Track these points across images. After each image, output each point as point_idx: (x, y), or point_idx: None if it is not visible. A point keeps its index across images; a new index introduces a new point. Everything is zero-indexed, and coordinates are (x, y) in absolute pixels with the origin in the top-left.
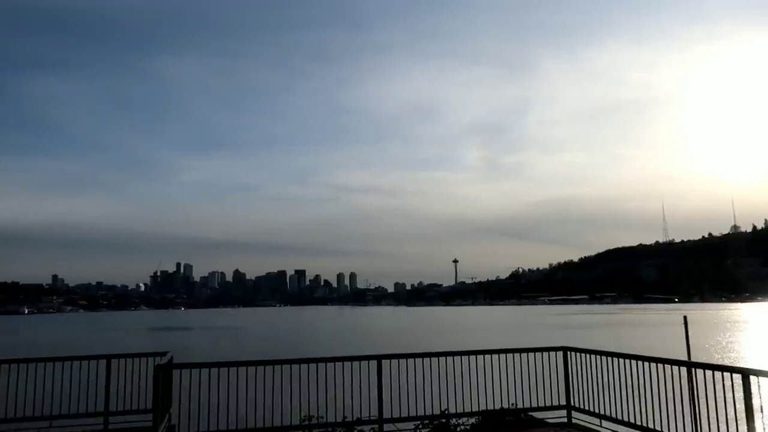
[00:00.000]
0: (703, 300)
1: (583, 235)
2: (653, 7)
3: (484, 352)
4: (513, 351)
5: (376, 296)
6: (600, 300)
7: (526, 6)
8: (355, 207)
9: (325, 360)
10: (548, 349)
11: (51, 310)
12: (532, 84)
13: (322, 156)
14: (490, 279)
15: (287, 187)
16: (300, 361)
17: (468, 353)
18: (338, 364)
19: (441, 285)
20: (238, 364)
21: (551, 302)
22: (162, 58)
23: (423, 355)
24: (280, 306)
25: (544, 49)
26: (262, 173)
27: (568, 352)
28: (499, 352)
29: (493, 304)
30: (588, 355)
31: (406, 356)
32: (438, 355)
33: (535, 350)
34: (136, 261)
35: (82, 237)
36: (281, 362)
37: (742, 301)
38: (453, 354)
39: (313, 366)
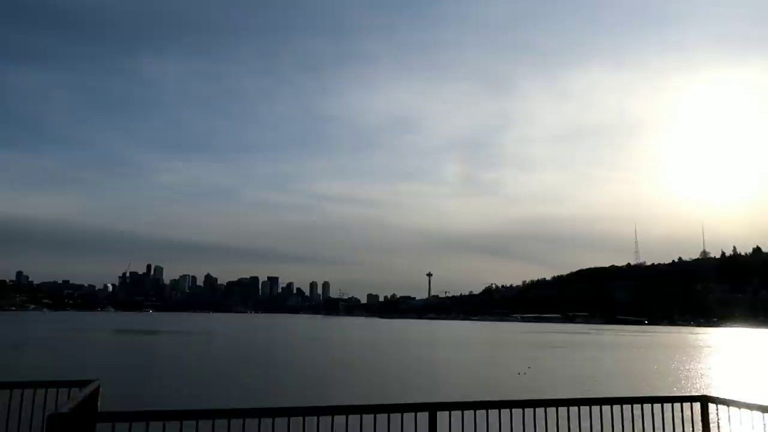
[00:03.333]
0: (672, 324)
1: (556, 254)
2: (632, 34)
3: (590, 402)
4: (624, 401)
5: (349, 306)
6: (572, 319)
7: (510, 26)
8: (333, 216)
9: (348, 410)
10: (676, 399)
11: (12, 308)
12: (512, 102)
13: (302, 164)
14: (463, 294)
15: (266, 193)
16: (303, 412)
17: (565, 403)
18: (368, 417)
19: (414, 298)
20: (198, 415)
21: (524, 320)
22: (144, 58)
23: (499, 405)
24: (252, 313)
25: (525, 68)
26: (240, 178)
27: (709, 404)
28: (602, 402)
29: (466, 319)
30: (738, 410)
31: (474, 405)
32: (522, 405)
33: (657, 400)
34: (106, 261)
35: (51, 234)
36: (272, 412)
37: (710, 326)
38: (545, 404)
39: (327, 419)
